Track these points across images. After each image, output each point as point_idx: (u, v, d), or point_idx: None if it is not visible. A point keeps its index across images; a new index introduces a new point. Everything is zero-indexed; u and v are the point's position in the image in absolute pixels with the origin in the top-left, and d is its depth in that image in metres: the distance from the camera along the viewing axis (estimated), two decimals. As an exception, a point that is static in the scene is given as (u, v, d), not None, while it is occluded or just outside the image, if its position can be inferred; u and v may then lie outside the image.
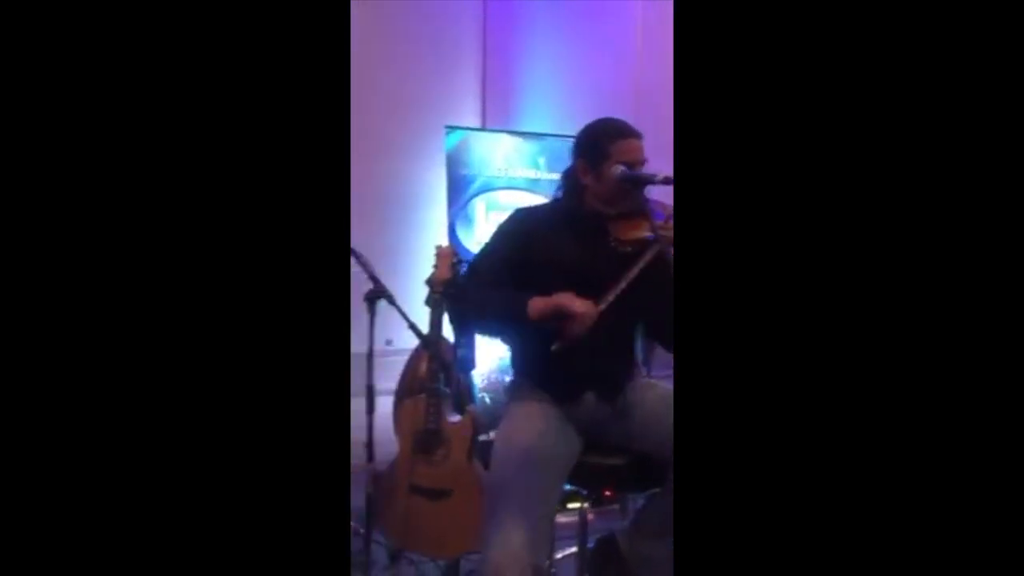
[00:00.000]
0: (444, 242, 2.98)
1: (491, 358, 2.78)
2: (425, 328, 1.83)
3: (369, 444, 1.67)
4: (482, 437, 1.84)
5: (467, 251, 3.02)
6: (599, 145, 1.42)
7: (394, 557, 1.97)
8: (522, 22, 3.37)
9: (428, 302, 1.86)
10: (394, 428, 1.93)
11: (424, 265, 2.96)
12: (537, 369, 1.41)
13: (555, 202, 1.57)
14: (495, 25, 3.38)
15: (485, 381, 2.84)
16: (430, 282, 1.84)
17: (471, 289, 1.43)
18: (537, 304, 1.30)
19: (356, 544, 2.10)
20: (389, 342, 2.65)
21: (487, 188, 3.02)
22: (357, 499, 2.30)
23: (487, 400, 2.80)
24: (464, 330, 1.57)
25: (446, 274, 1.82)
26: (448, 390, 1.79)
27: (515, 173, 3.06)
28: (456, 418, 1.77)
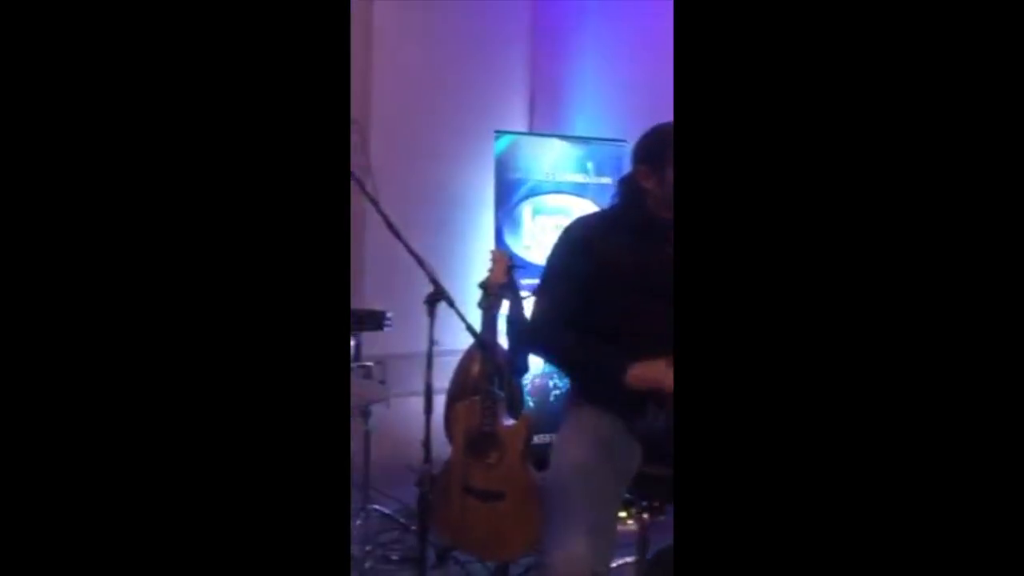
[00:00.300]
0: (491, 246, 3.02)
1: (536, 362, 2.79)
2: (478, 331, 1.84)
3: (427, 443, 1.69)
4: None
5: (515, 255, 3.03)
6: (661, 149, 1.41)
7: (442, 557, 2.00)
8: (571, 26, 3.38)
9: (481, 305, 1.88)
10: (445, 429, 1.95)
11: (471, 268, 2.99)
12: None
13: (612, 209, 1.56)
14: (544, 30, 3.39)
15: (530, 385, 2.85)
16: (484, 285, 1.86)
17: (546, 322, 1.44)
18: (635, 377, 1.31)
19: (408, 541, 2.13)
20: (435, 342, 2.68)
21: (535, 192, 3.03)
22: (407, 497, 2.33)
23: (530, 403, 2.80)
24: (530, 354, 1.57)
25: (501, 278, 1.84)
26: (502, 393, 1.80)
27: (563, 177, 3.06)
28: (510, 421, 1.78)
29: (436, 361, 2.63)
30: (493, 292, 1.82)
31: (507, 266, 1.85)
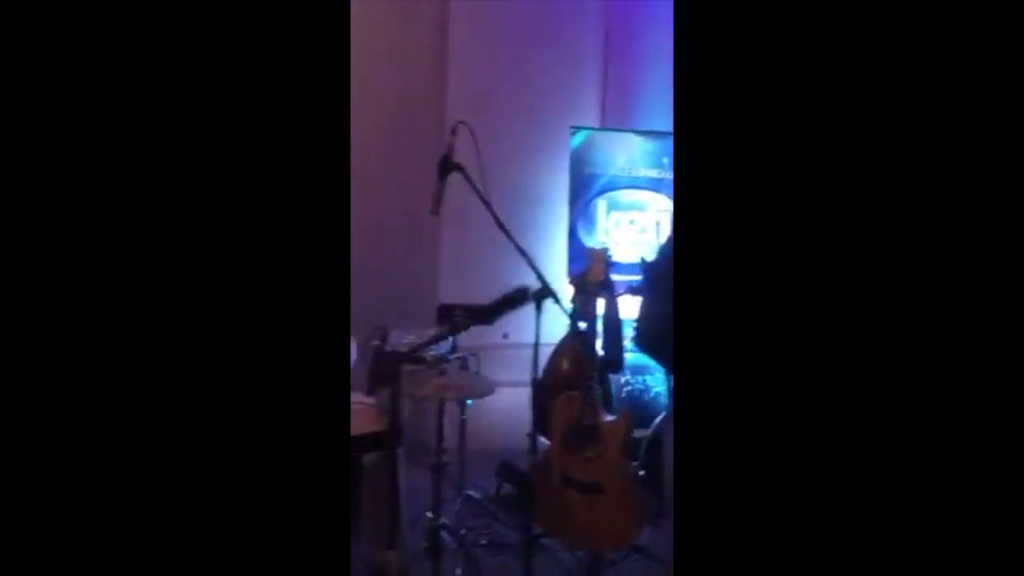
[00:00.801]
0: (565, 242, 3.05)
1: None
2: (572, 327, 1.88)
3: (533, 435, 1.75)
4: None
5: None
6: None
7: (529, 543, 2.06)
8: (643, 18, 3.36)
9: (575, 302, 1.92)
10: (538, 422, 2.00)
11: (545, 264, 3.01)
12: None
13: None
14: (616, 23, 3.38)
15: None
16: (582, 282, 1.90)
17: (658, 323, 1.45)
18: None
19: (493, 527, 2.20)
20: (505, 336, 2.73)
21: (610, 188, 3.05)
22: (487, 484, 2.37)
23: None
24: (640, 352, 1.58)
25: (600, 276, 1.87)
26: (599, 389, 1.84)
27: (638, 173, 3.06)
28: (608, 417, 1.82)
29: (507, 354, 2.68)
30: (591, 290, 1.86)
31: (606, 264, 1.89)
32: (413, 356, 1.58)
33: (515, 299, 1.43)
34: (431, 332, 2.01)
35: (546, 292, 1.71)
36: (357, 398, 1.99)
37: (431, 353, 1.84)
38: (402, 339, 1.86)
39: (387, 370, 1.26)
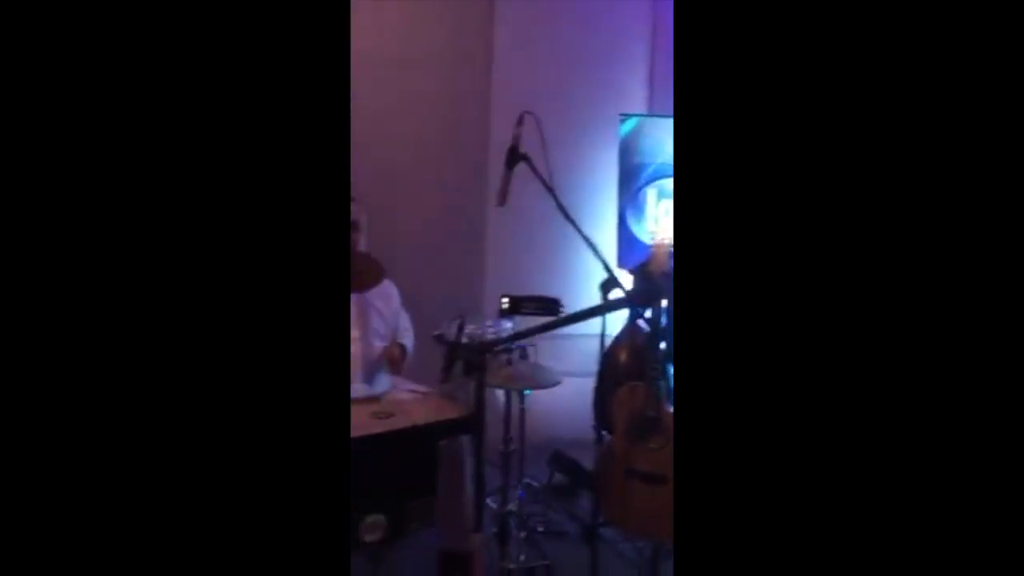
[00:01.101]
0: (613, 230, 3.02)
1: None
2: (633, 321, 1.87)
3: (598, 427, 1.75)
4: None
5: (638, 240, 3.03)
6: None
7: (588, 534, 2.07)
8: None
9: (643, 293, 1.91)
10: (597, 413, 2.00)
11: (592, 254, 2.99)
12: None
13: None
14: (663, 15, 3.32)
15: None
16: (646, 273, 1.88)
17: None
18: None
19: (549, 515, 2.22)
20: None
21: (659, 175, 3.01)
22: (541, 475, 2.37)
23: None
24: None
25: (664, 265, 1.85)
26: (663, 380, 1.83)
27: (688, 161, 3.02)
28: (673, 408, 1.81)
29: (556, 345, 2.67)
30: (655, 279, 1.85)
31: (669, 253, 1.87)
32: (492, 347, 1.59)
33: (623, 302, 1.44)
34: (489, 323, 2.02)
35: (613, 283, 1.70)
36: (411, 386, 2.02)
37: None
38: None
39: (472, 359, 1.27)
